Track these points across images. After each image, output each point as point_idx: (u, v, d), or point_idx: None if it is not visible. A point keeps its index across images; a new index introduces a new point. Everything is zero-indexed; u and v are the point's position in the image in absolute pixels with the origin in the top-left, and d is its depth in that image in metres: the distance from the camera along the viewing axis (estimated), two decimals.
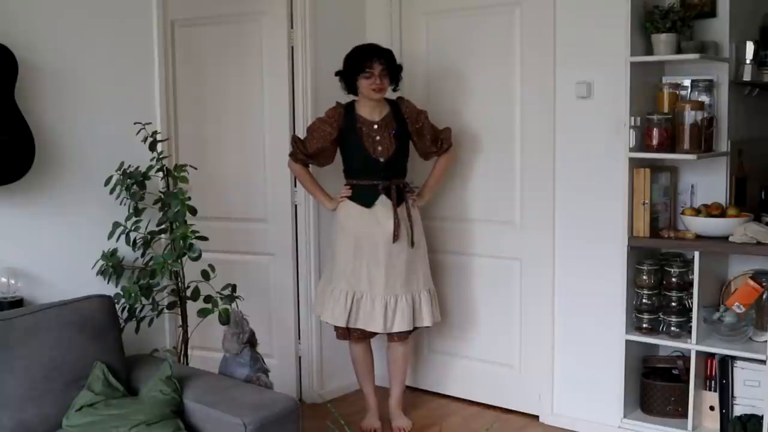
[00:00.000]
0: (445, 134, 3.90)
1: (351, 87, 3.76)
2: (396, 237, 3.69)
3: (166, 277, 3.43)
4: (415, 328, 3.84)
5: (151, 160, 3.45)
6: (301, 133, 3.99)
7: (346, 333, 3.85)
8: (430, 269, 3.92)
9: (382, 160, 3.72)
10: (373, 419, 3.93)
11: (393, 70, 3.74)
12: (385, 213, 3.71)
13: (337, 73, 3.78)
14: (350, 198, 3.76)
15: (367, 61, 3.67)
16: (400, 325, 3.72)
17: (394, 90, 3.87)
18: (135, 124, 3.46)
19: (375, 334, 3.82)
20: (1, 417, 2.61)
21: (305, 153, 3.78)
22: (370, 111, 3.76)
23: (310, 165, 3.87)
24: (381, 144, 3.73)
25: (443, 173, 4.01)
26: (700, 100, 3.59)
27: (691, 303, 3.56)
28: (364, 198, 3.74)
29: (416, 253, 3.79)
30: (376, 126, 3.75)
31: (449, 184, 4.20)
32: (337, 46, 4.13)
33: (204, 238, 3.31)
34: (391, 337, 3.83)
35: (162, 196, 3.45)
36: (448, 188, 4.22)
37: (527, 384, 4.08)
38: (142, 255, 3.44)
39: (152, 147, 3.45)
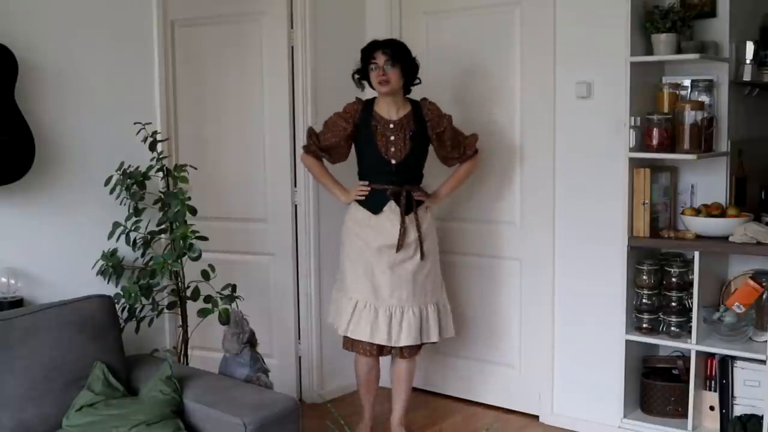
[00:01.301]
0: (470, 141, 3.73)
1: (369, 82, 3.64)
2: (400, 246, 3.56)
3: (166, 277, 3.43)
4: (422, 344, 3.67)
5: (151, 160, 3.45)
6: (302, 132, 3.99)
7: (350, 344, 3.67)
8: (441, 282, 3.77)
9: (393, 161, 3.57)
10: (365, 430, 3.80)
11: (404, 64, 3.56)
12: (392, 220, 3.56)
13: (355, 71, 3.67)
14: (360, 202, 3.63)
15: (372, 52, 3.57)
16: (406, 338, 3.53)
17: (411, 86, 3.68)
18: (135, 124, 3.46)
19: (382, 349, 3.62)
20: (1, 417, 2.61)
21: (318, 145, 3.67)
22: (387, 109, 3.61)
23: (324, 160, 3.75)
24: (395, 145, 3.58)
25: (463, 179, 3.82)
26: (700, 100, 3.59)
27: (691, 303, 3.56)
28: (372, 203, 3.59)
29: (425, 265, 3.62)
30: (392, 125, 3.59)
31: None
32: (337, 46, 4.14)
33: (204, 238, 3.31)
34: (400, 353, 3.63)
35: (162, 196, 3.45)
36: None
37: (527, 384, 4.08)
38: (142, 255, 3.44)
39: (152, 147, 3.45)
